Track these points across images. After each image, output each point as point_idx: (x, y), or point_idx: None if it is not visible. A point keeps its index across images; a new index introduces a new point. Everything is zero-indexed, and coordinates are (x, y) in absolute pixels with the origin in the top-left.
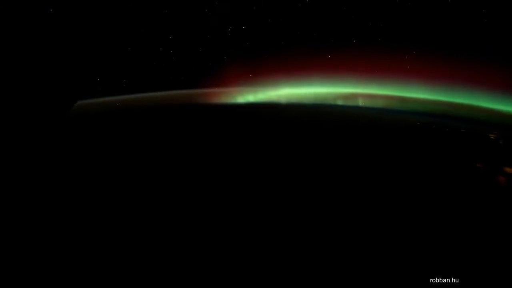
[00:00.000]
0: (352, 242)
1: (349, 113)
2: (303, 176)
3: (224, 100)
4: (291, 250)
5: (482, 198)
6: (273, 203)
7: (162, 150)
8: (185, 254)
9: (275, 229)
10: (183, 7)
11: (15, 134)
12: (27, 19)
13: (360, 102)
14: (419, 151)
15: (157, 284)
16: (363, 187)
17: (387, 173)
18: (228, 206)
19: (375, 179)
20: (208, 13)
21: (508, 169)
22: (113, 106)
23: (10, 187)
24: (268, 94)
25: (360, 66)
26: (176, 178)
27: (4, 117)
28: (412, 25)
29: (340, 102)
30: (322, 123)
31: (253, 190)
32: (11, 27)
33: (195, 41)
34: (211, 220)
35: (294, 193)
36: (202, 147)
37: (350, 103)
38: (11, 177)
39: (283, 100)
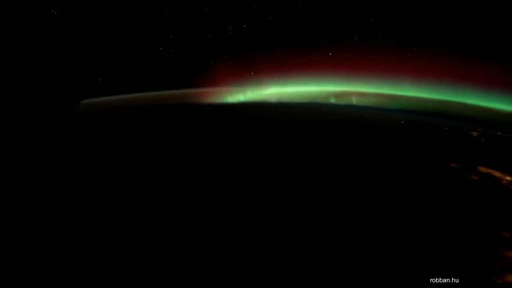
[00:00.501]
0: (346, 241)
1: (336, 112)
2: (295, 174)
3: (220, 99)
4: (281, 246)
5: (448, 197)
6: (266, 200)
7: (160, 150)
8: (174, 243)
9: (267, 225)
10: (183, 7)
11: (24, 131)
12: (31, 22)
13: (353, 101)
14: (396, 151)
15: (155, 280)
16: (348, 187)
17: (363, 173)
18: (222, 202)
19: (357, 179)
20: (208, 13)
21: (482, 169)
22: (115, 105)
23: (19, 183)
24: (264, 93)
25: (358, 64)
26: (175, 178)
27: (13, 116)
28: (411, 23)
29: (331, 101)
30: (311, 122)
31: (248, 187)
32: (18, 30)
33: (195, 40)
34: (205, 214)
35: (286, 189)
36: (198, 147)
37: (341, 101)
38: (20, 173)
39: (280, 99)
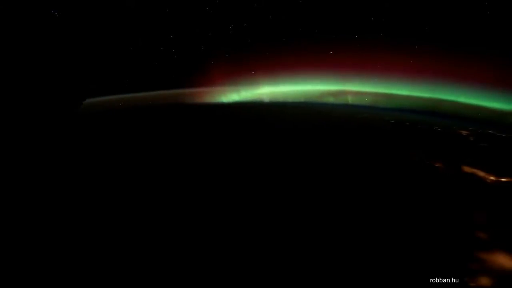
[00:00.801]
0: (339, 241)
1: (329, 111)
2: (285, 173)
3: (217, 99)
4: (277, 246)
5: (428, 197)
6: (260, 198)
7: (159, 149)
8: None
9: (263, 225)
10: (183, 7)
11: (27, 131)
12: (32, 23)
13: (349, 100)
14: (379, 151)
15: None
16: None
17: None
18: (219, 201)
19: (337, 180)
20: (209, 12)
21: (466, 168)
22: (116, 105)
23: (21, 182)
24: (259, 92)
25: (354, 63)
26: (174, 178)
27: (16, 117)
28: (407, 22)
29: (326, 100)
30: (302, 122)
31: (244, 187)
32: (19, 31)
33: (196, 40)
34: (202, 213)
35: (278, 188)
36: (197, 147)
37: (336, 100)
38: (22, 173)
39: (275, 98)
